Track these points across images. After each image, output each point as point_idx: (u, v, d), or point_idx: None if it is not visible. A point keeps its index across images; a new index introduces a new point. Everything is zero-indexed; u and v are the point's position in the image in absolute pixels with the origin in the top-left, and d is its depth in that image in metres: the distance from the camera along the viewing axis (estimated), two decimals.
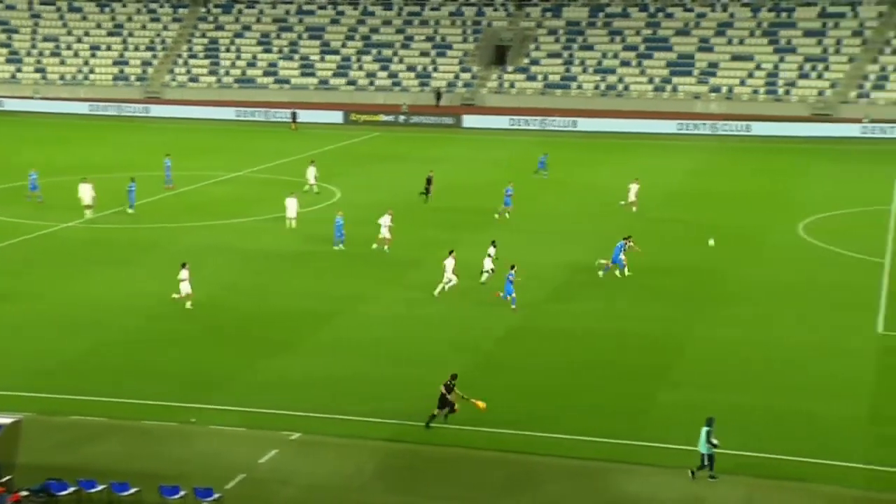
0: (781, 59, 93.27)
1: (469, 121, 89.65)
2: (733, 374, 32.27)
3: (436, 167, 69.16)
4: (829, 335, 35.57)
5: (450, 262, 39.59)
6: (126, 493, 24.12)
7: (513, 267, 38.66)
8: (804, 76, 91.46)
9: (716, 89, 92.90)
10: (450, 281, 39.53)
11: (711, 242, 42.62)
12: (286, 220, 50.43)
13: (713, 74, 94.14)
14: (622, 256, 41.64)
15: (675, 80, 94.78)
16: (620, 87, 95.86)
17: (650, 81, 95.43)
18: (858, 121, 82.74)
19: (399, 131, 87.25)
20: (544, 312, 38.25)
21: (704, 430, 25.38)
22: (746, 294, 39.94)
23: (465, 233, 49.02)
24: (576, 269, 43.41)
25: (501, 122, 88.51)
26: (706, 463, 25.35)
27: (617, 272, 41.71)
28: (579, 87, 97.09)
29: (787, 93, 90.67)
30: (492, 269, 40.72)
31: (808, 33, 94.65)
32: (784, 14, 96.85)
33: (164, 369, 32.65)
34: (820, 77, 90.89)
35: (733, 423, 28.45)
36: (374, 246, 46.08)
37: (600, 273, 41.86)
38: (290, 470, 26.23)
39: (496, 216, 52.39)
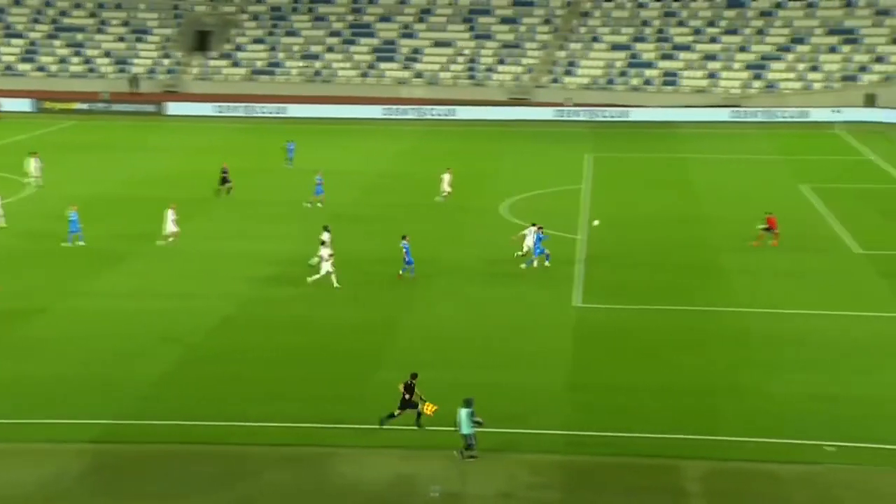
0: (480, 46, 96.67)
1: (173, 108, 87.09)
2: (443, 352, 33.20)
3: (142, 156, 67.00)
4: (531, 309, 37.25)
5: (325, 253, 39.00)
6: None
7: (404, 237, 39.83)
8: (501, 62, 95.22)
9: (420, 75, 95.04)
10: (327, 271, 38.84)
11: (595, 223, 43.14)
12: None
13: (417, 60, 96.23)
14: (541, 245, 41.47)
15: (380, 65, 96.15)
16: (327, 72, 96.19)
17: (356, 67, 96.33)
18: (553, 104, 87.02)
19: (98, 119, 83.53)
20: (258, 302, 37.90)
21: (464, 411, 25.78)
22: (452, 274, 41.10)
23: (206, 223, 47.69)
24: (293, 260, 43.35)
25: (207, 109, 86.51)
26: (470, 441, 25.81)
27: (536, 263, 41.33)
28: (285, 73, 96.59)
29: (486, 78, 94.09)
30: (329, 255, 39.91)
31: (503, 20, 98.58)
32: (481, 1, 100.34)
33: None
34: (516, 63, 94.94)
35: (443, 400, 29.29)
36: (160, 242, 44.54)
37: (523, 266, 41.55)
38: None
39: (307, 205, 51.52)
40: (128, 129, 79.35)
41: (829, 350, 33.29)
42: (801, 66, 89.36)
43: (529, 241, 41.64)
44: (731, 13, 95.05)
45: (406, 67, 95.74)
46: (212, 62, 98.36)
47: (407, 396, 27.29)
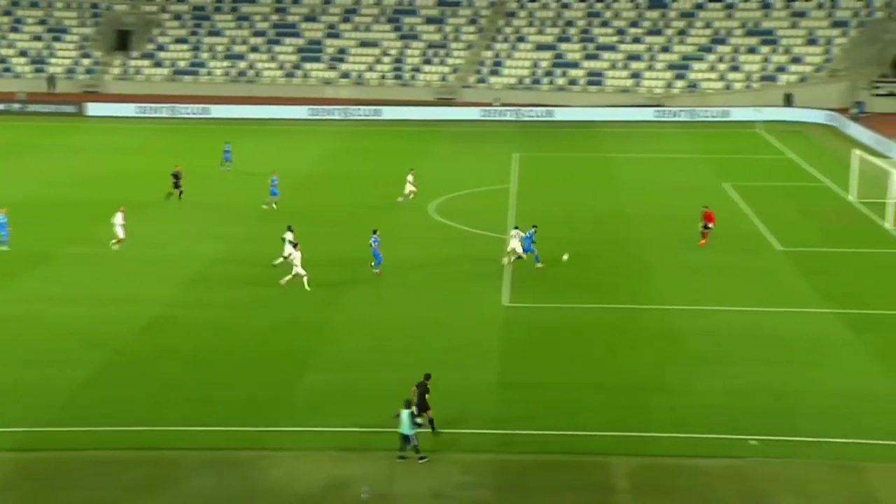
0: (406, 46, 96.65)
1: (93, 109, 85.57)
2: (373, 352, 33.13)
3: (64, 158, 65.79)
4: (461, 309, 37.31)
5: (297, 256, 38.54)
6: None
7: (375, 231, 40.58)
8: (428, 62, 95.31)
9: (346, 75, 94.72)
10: (299, 274, 38.40)
11: (565, 257, 42.77)
12: None
13: (342, 60, 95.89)
14: (533, 246, 41.60)
15: (305, 65, 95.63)
16: (251, 72, 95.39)
17: (281, 67, 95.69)
18: (479, 104, 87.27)
19: (14, 120, 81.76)
20: (186, 304, 37.45)
21: (406, 411, 25.70)
22: (384, 274, 40.98)
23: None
24: (223, 260, 42.93)
25: (129, 109, 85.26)
26: (414, 442, 25.74)
27: (538, 264, 41.58)
28: (209, 73, 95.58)
29: (412, 78, 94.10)
30: (288, 255, 39.86)
31: (428, 20, 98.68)
32: (406, 1, 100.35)
33: None
34: (442, 63, 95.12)
35: (374, 400, 29.25)
36: (113, 241, 43.76)
37: (504, 262, 41.48)
38: None
39: (264, 207, 51.05)
40: (47, 130, 77.78)
41: (753, 346, 33.88)
42: (721, 67, 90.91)
43: (515, 244, 41.43)
44: (653, 14, 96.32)
45: (332, 68, 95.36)
46: (133, 62, 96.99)
47: (423, 399, 26.87)
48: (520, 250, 41.33)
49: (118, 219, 43.84)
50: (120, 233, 43.65)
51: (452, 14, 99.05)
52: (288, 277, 38.64)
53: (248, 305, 37.39)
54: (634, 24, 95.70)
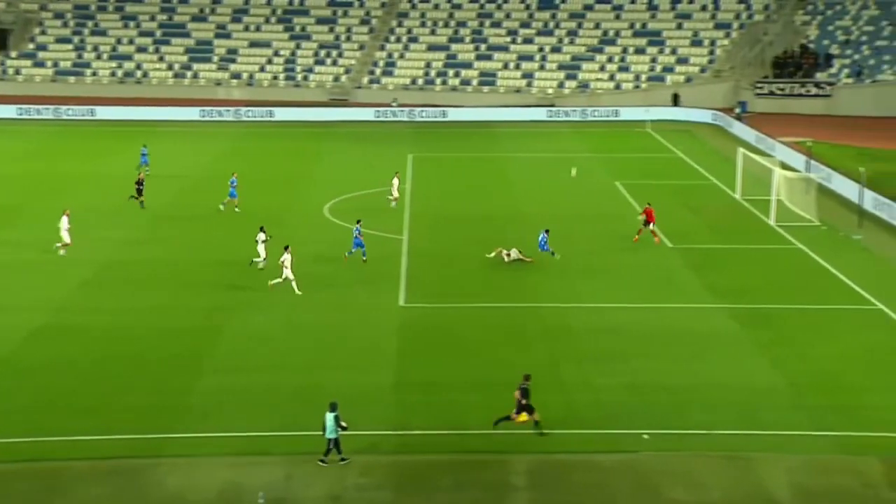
0: (298, 46, 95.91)
1: None
2: (268, 355, 32.79)
3: None
4: (357, 311, 37.16)
5: (287, 258, 37.74)
6: None
7: (359, 221, 42.44)
8: (320, 63, 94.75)
9: (236, 76, 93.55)
10: (288, 278, 37.72)
11: (574, 172, 43.23)
12: None
13: (233, 61, 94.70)
14: (546, 245, 42.85)
15: (195, 66, 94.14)
16: (139, 73, 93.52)
17: (170, 68, 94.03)
18: (373, 105, 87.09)
19: None
20: (74, 310, 36.48)
21: (331, 415, 25.44)
22: (276, 276, 40.54)
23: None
24: (115, 264, 41.95)
25: (8, 111, 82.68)
26: (333, 447, 25.52)
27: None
28: (94, 73, 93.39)
29: (305, 79, 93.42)
30: (264, 256, 39.93)
31: (320, 21, 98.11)
32: (297, 1, 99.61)
33: None
34: (334, 63, 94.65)
35: (270, 404, 28.98)
36: (57, 246, 42.48)
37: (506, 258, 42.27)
38: None
39: (221, 207, 50.36)
40: None
41: (645, 341, 34.49)
42: (611, 67, 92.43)
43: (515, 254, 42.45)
44: (543, 15, 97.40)
45: (222, 68, 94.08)
46: (11, 62, 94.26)
47: (524, 401, 26.95)
48: (515, 255, 42.33)
49: (63, 222, 42.52)
50: (66, 237, 42.35)
51: (344, 14, 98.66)
52: (293, 285, 37.98)
53: (138, 311, 36.62)
54: (525, 25, 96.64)
